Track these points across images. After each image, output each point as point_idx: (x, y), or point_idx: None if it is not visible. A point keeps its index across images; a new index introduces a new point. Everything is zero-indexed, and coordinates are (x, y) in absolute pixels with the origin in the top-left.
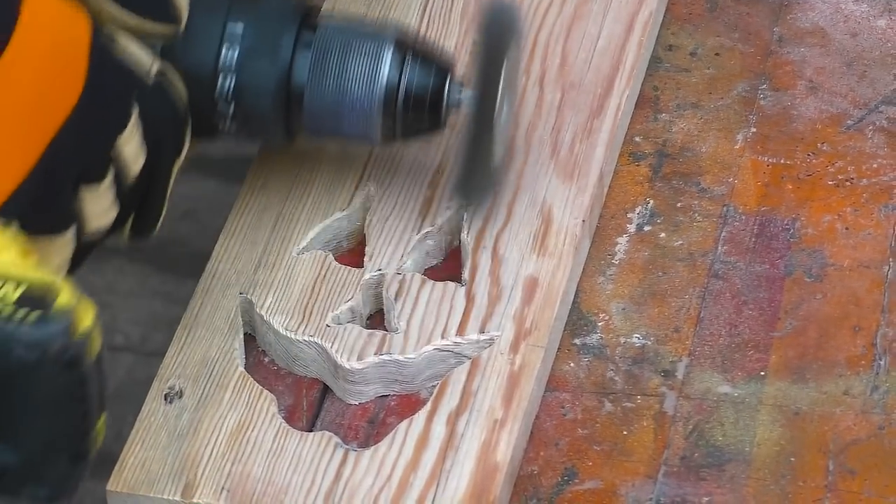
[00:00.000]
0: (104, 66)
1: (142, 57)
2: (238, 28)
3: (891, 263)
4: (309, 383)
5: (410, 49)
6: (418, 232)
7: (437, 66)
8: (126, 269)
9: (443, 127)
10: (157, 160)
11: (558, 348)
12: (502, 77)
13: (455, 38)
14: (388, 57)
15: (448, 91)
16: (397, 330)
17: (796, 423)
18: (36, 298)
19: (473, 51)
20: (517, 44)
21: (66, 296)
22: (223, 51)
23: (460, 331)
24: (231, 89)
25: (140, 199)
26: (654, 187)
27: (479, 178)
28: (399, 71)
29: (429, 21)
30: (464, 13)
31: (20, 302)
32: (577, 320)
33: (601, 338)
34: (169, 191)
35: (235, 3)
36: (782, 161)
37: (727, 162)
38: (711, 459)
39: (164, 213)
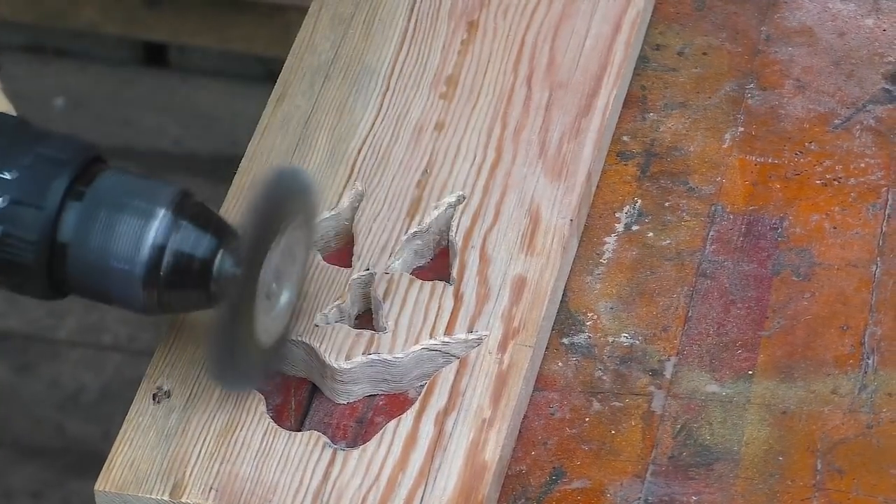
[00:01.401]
0: None
1: None
2: (7, 175)
3: (879, 263)
4: (297, 383)
5: (186, 213)
6: (406, 231)
7: (212, 234)
8: None
9: (214, 300)
10: None
11: (546, 348)
12: (269, 254)
13: (443, 39)
14: (157, 219)
15: (218, 262)
16: (385, 329)
17: (784, 422)
18: None
19: (245, 222)
20: (305, 216)
21: None
22: None
23: (448, 330)
24: None
25: None
26: (642, 187)
27: (237, 361)
28: (167, 237)
29: (416, 21)
30: (451, 12)
31: None
32: (566, 320)
33: (589, 337)
34: None
35: (12, 147)
36: (770, 160)
37: (715, 161)
38: (699, 459)
39: None
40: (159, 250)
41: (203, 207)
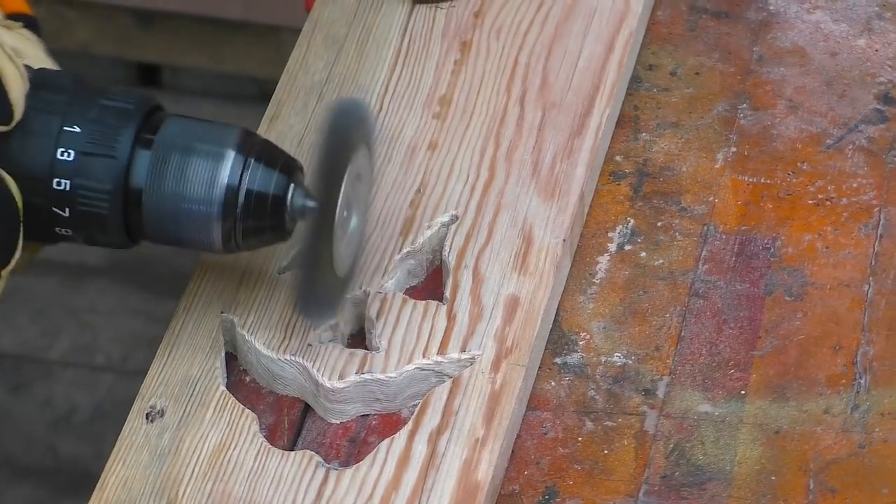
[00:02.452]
0: None
1: None
2: (75, 129)
3: (871, 282)
4: (290, 402)
5: (253, 152)
6: (400, 251)
7: (280, 170)
8: (107, 289)
9: (288, 234)
10: None
11: (539, 367)
12: (343, 186)
13: (436, 58)
14: (228, 160)
15: (291, 197)
16: (378, 349)
17: (777, 441)
18: None
19: (314, 156)
20: (367, 146)
21: None
22: (59, 153)
23: (441, 350)
24: (67, 192)
25: None
26: (635, 206)
27: (320, 292)
28: (239, 175)
29: (410, 40)
30: (445, 33)
31: None
32: (558, 339)
33: (582, 357)
34: None
35: (75, 102)
36: (762, 180)
37: (707, 181)
38: (692, 478)
39: None
40: (233, 190)
41: (269, 145)
